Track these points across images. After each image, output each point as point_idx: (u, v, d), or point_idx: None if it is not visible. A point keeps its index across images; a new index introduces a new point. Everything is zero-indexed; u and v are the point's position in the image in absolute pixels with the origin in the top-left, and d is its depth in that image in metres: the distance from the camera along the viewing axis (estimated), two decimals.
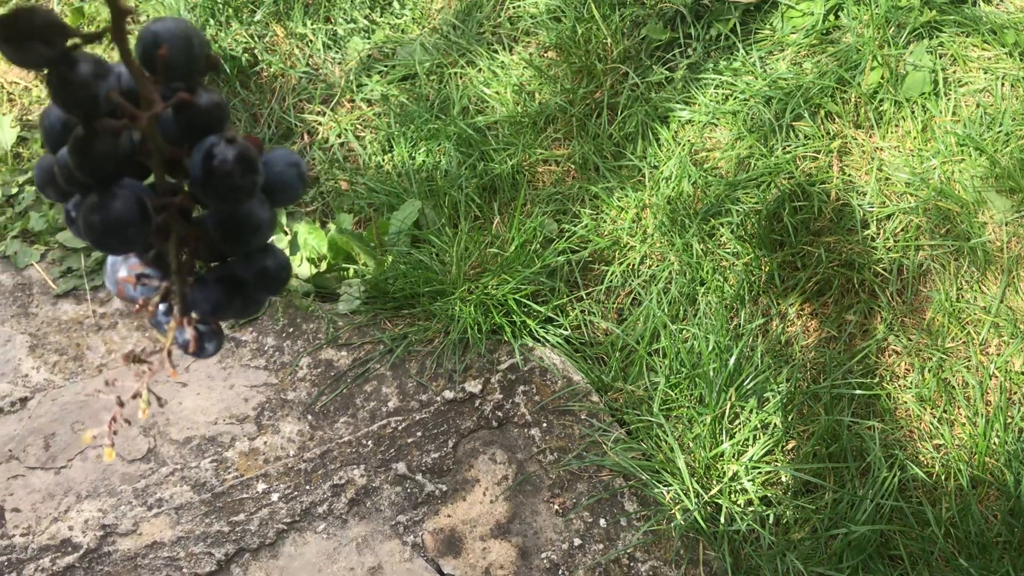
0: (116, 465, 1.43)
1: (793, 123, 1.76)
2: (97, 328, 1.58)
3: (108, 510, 1.38)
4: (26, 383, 1.52)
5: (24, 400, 1.50)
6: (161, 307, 0.42)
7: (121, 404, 0.42)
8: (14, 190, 1.79)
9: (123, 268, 0.43)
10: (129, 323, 1.59)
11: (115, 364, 1.54)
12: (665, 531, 1.34)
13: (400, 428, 1.45)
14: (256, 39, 1.93)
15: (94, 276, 1.63)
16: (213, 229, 0.39)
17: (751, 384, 1.42)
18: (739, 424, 1.41)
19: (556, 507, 1.38)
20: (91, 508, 1.39)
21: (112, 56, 1.91)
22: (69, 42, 0.35)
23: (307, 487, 1.40)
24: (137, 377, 0.42)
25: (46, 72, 0.35)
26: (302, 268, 1.63)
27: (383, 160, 1.81)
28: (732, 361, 1.41)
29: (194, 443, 1.45)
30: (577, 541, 1.34)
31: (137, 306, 0.42)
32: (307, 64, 1.93)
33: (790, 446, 1.42)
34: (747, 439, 1.40)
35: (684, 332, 1.52)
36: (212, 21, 1.94)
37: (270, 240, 0.43)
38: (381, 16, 1.98)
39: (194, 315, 0.42)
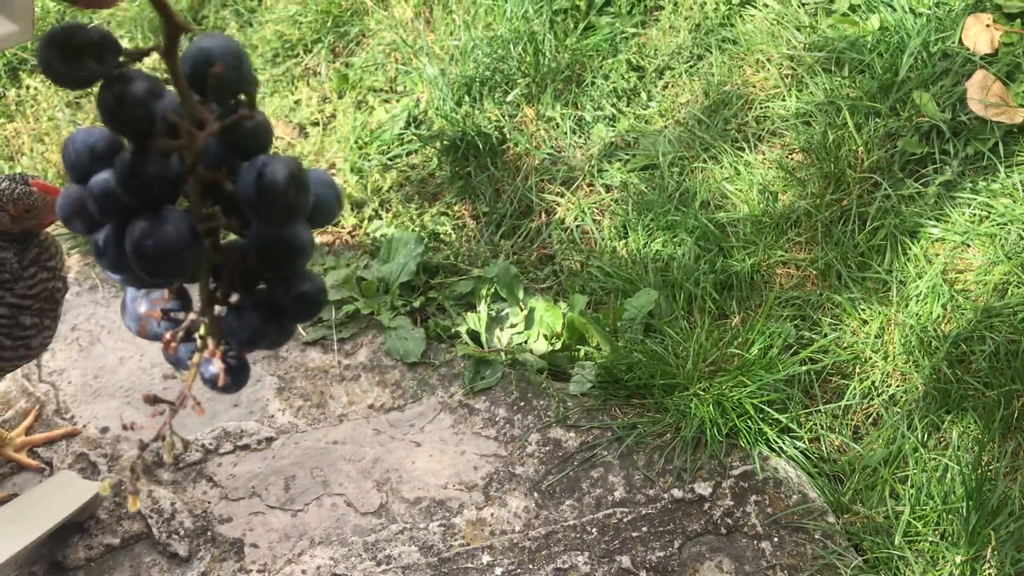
0: (349, 516, 1.48)
1: None
2: (341, 379, 1.65)
3: (339, 559, 1.43)
4: (272, 424, 1.60)
5: (269, 440, 1.58)
6: (182, 344, 0.39)
7: (143, 447, 0.40)
8: None
9: (143, 303, 0.41)
10: (371, 378, 1.66)
11: (355, 416, 1.60)
12: None
13: (625, 520, 1.44)
14: (506, 118, 2.02)
15: (342, 328, 1.72)
16: (255, 253, 0.37)
17: (1010, 529, 1.33)
18: (989, 570, 1.33)
19: None
20: (323, 555, 1.44)
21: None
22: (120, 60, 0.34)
23: (530, 566, 1.40)
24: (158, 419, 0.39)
25: (99, 90, 0.34)
26: (538, 344, 1.66)
27: (619, 245, 1.83)
28: (993, 502, 1.33)
29: (424, 504, 1.48)
30: None
31: (163, 343, 0.39)
32: (551, 146, 1.99)
33: None
34: None
35: (932, 461, 1.45)
36: (467, 98, 2.04)
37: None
38: (628, 106, 2.02)
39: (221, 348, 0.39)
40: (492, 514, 1.47)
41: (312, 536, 1.46)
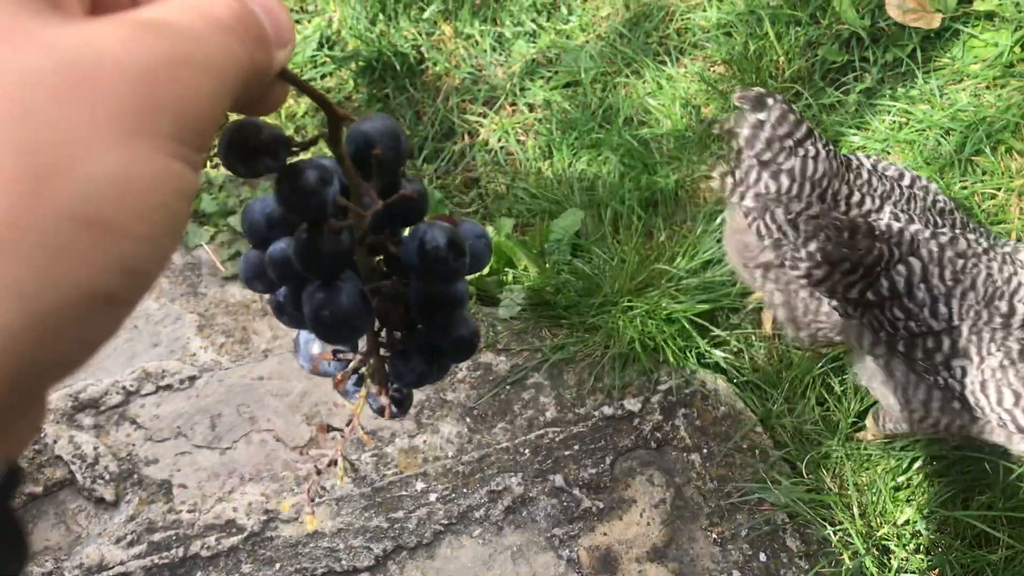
0: (278, 451, 1.46)
1: (972, 157, 1.69)
2: (263, 313, 1.61)
3: (271, 495, 1.41)
4: (194, 362, 1.56)
5: (192, 379, 1.54)
6: (351, 379, 0.44)
7: (319, 472, 0.45)
8: None
9: (316, 345, 0.45)
10: None
11: (280, 351, 1.57)
12: (832, 575, 1.30)
13: (557, 440, 1.45)
14: (423, 36, 1.95)
15: None
16: (416, 305, 0.41)
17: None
18: (914, 468, 1.37)
19: (714, 536, 1.36)
20: (254, 491, 1.42)
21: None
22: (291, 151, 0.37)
23: (464, 490, 1.40)
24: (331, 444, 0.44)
25: (275, 182, 0.37)
26: None
27: (543, 166, 1.81)
28: None
29: (355, 435, 1.47)
30: (736, 574, 1.32)
31: (334, 380, 0.44)
32: (472, 65, 1.94)
33: (965, 496, 1.37)
34: (921, 485, 1.35)
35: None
36: (382, 16, 1.96)
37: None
38: (548, 21, 1.97)
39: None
40: (425, 441, 1.46)
41: (242, 473, 1.44)
